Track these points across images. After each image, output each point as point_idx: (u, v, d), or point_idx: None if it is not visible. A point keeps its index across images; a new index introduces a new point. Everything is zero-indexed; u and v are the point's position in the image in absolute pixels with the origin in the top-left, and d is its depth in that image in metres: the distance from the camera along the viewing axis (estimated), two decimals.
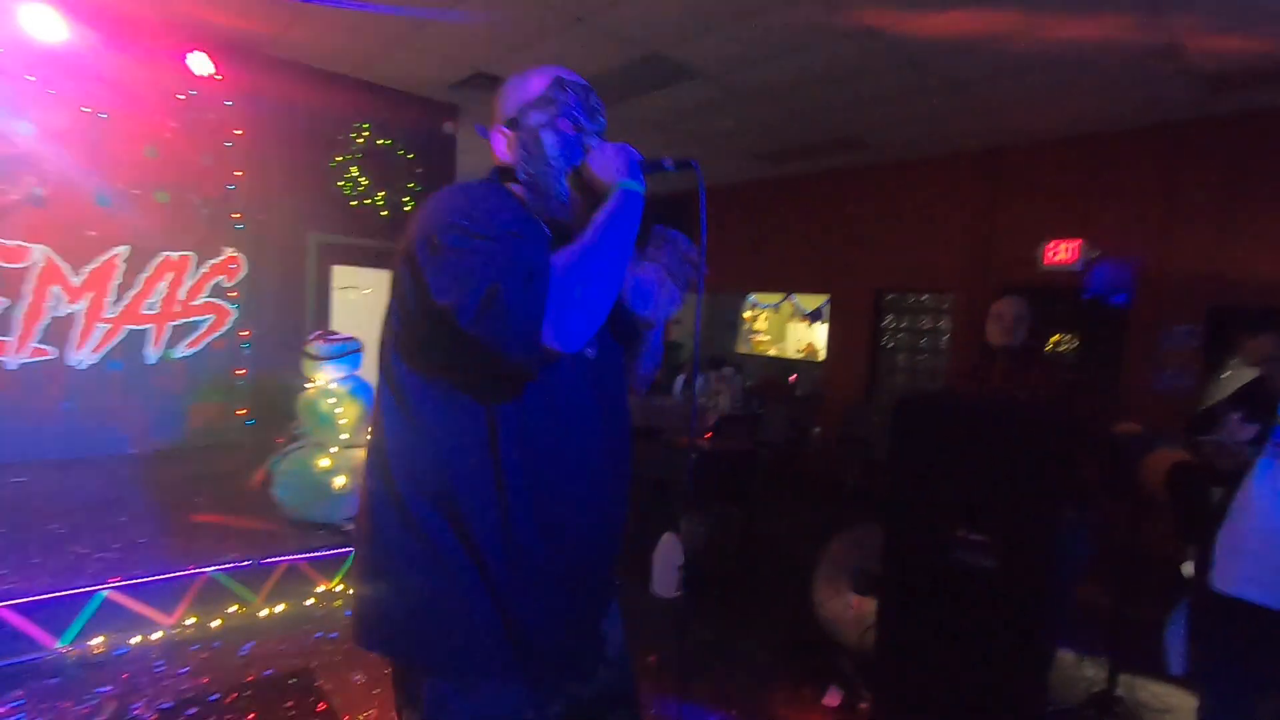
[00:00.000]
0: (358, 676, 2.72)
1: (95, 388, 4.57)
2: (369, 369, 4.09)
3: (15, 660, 2.58)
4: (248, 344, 5.11)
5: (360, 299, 5.66)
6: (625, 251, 1.06)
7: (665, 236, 1.27)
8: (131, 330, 4.69)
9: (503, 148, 1.20)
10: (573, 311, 0.98)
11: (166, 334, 4.84)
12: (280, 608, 3.19)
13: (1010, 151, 5.75)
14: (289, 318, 5.21)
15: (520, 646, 1.09)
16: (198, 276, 4.91)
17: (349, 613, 3.31)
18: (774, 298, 9.51)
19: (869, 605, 2.64)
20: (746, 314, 9.90)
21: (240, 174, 4.89)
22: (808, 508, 5.81)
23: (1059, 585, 2.32)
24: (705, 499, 4.06)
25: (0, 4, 3.48)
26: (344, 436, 3.72)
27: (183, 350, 4.91)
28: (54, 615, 2.67)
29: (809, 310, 9.22)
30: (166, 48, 4.37)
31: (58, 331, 4.43)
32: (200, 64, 4.37)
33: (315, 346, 3.70)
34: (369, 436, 1.18)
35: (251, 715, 2.40)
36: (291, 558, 3.28)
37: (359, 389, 3.81)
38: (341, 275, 5.58)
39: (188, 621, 2.94)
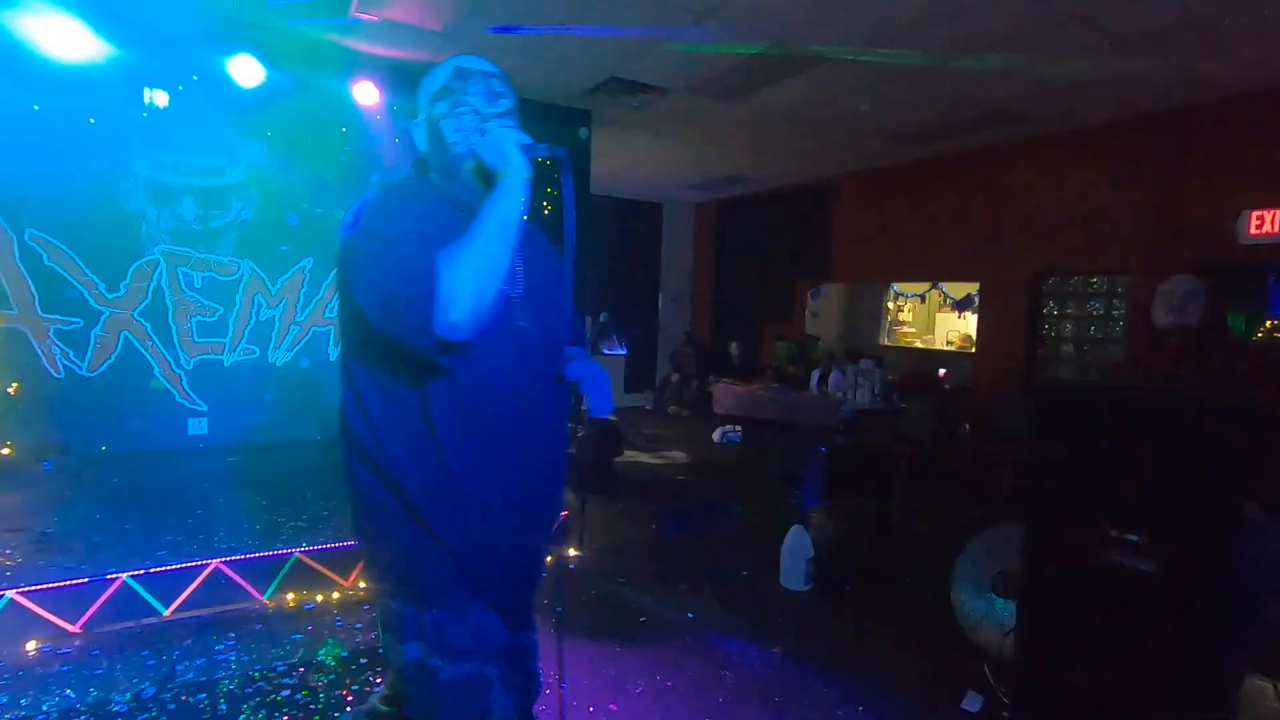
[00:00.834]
0: None
1: (290, 382, 5.29)
2: None
3: (230, 607, 3.08)
4: None
5: None
6: (505, 238, 1.10)
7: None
8: (316, 331, 5.38)
9: (420, 139, 1.32)
10: (456, 301, 1.04)
11: None
12: None
13: (1198, 111, 5.03)
14: None
15: (474, 585, 1.23)
16: None
17: None
18: (919, 287, 8.99)
19: (1011, 609, 2.47)
20: (889, 304, 9.44)
21: None
22: (955, 508, 5.46)
23: (1245, 599, 2.04)
24: (837, 494, 3.95)
25: (208, 54, 4.13)
26: None
27: None
28: (260, 572, 3.16)
29: (958, 299, 8.63)
30: (340, 81, 4.95)
31: (260, 333, 5.17)
32: (366, 94, 4.90)
33: None
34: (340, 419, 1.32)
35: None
36: None
37: None
38: None
39: (360, 585, 3.34)
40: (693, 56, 4.57)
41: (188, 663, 2.67)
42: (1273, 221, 4.57)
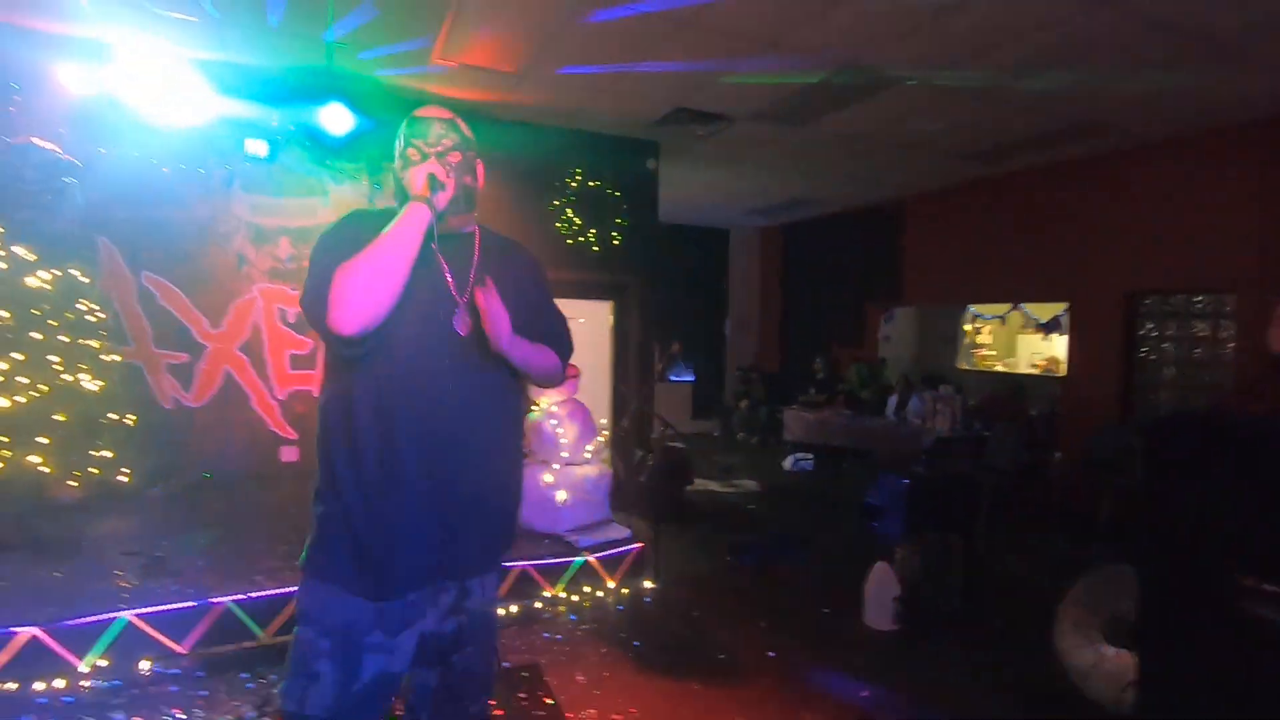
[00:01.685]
0: (580, 676, 2.95)
1: None
2: (584, 393, 4.45)
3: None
4: None
5: (575, 328, 6.15)
6: (398, 253, 1.28)
7: None
8: None
9: (394, 175, 1.52)
10: (343, 304, 1.23)
11: None
12: (514, 608, 3.58)
13: None
14: None
15: (363, 563, 1.33)
16: None
17: (573, 616, 3.60)
18: (998, 308, 8.64)
19: (1126, 658, 2.29)
20: (967, 327, 9.10)
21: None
22: (1047, 542, 5.15)
23: None
24: (920, 527, 3.79)
25: (302, 105, 4.42)
26: (564, 455, 4.08)
27: None
28: None
29: (1043, 320, 8.24)
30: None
31: None
32: None
33: None
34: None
35: (493, 700, 2.71)
36: (522, 564, 3.67)
37: (575, 411, 4.15)
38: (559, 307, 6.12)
39: None
40: (758, 84, 4.58)
41: None
42: None
